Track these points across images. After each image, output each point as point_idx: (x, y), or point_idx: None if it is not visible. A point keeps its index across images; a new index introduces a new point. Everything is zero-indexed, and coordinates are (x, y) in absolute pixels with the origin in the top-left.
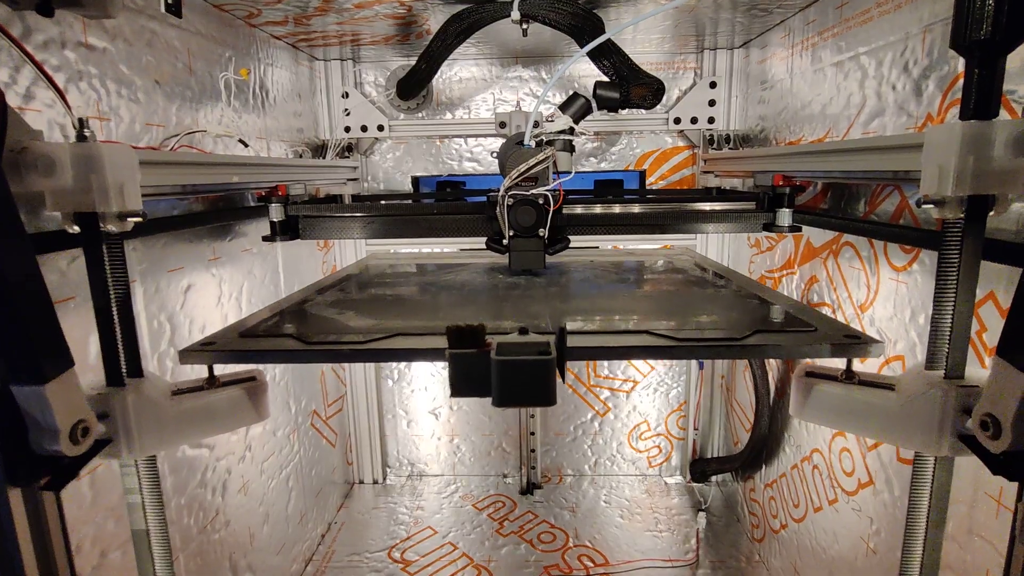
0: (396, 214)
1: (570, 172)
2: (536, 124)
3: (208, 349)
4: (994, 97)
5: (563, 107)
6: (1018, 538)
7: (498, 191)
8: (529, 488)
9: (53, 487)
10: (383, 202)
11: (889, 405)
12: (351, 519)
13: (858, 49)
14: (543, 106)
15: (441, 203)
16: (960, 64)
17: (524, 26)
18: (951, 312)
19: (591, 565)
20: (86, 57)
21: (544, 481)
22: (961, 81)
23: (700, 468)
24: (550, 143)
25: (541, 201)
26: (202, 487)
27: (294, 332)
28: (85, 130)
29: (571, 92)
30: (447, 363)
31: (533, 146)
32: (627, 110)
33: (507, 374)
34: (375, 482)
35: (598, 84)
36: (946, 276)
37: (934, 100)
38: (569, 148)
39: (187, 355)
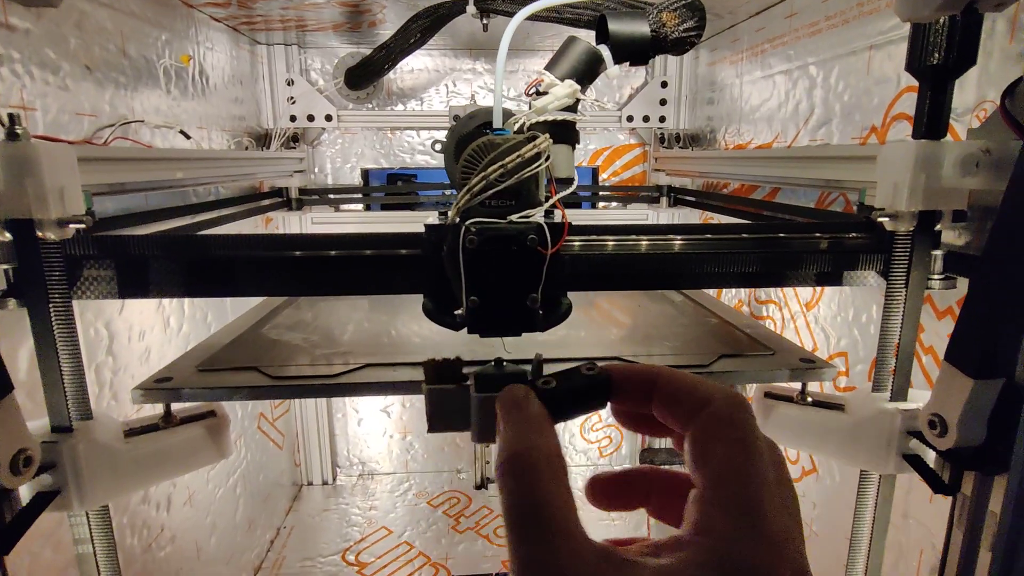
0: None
1: (572, 180)
2: (509, 115)
3: (165, 387)
4: (944, 119)
5: (553, 64)
6: (956, 524)
7: (446, 213)
8: (484, 483)
9: None
10: (331, 195)
11: (840, 427)
12: (301, 523)
13: (807, 59)
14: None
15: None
16: (904, 80)
17: (484, 21)
18: (897, 341)
19: None
20: (7, 39)
21: None
22: (904, 96)
23: (649, 458)
24: (538, 127)
25: (533, 238)
26: (145, 503)
27: (257, 364)
28: (16, 127)
29: (567, 37)
30: (424, 398)
31: (511, 132)
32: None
33: (487, 410)
34: (325, 483)
35: (609, 16)
36: (892, 303)
37: (878, 112)
38: (569, 137)
39: (142, 394)
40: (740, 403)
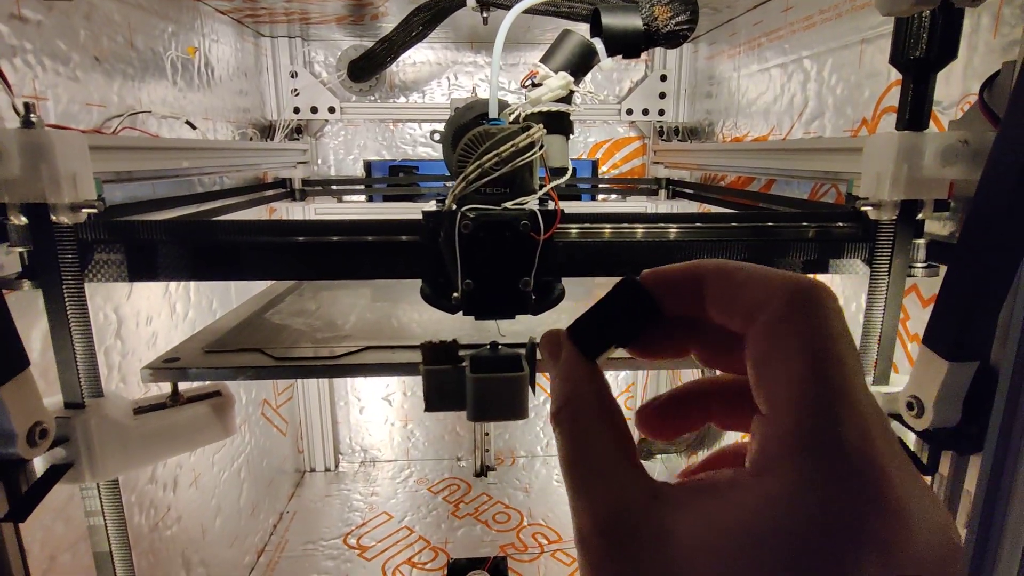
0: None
1: (566, 169)
2: (506, 106)
3: (173, 366)
4: (926, 110)
5: (548, 57)
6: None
7: (443, 200)
8: (483, 470)
9: (12, 518)
10: (333, 186)
11: None
12: (303, 508)
13: (801, 53)
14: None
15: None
16: (894, 74)
17: (484, 14)
18: (879, 328)
19: (545, 542)
20: (20, 31)
21: (498, 463)
22: (893, 89)
23: (646, 448)
24: (533, 118)
25: (525, 224)
26: (152, 483)
27: (262, 347)
28: (32, 115)
29: (562, 30)
30: (422, 378)
31: (507, 123)
32: (609, 70)
33: (482, 390)
34: (327, 470)
35: (602, 10)
36: (875, 290)
37: (869, 105)
38: (563, 128)
39: (151, 373)
40: (806, 300)
